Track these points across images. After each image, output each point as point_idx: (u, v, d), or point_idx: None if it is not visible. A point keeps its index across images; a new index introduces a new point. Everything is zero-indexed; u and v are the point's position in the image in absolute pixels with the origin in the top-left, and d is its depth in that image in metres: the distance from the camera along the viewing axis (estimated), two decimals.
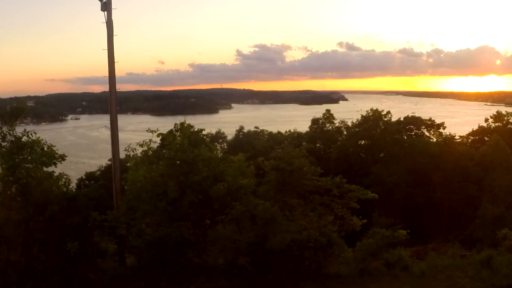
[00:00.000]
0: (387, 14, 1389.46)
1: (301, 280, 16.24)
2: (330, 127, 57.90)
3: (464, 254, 20.69)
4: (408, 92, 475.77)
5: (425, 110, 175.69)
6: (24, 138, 16.65)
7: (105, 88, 19.69)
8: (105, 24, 18.49)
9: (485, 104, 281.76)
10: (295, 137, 55.30)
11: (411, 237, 18.24)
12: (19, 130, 16.85)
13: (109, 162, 39.76)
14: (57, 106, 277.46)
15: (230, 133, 66.67)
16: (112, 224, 17.12)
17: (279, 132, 58.71)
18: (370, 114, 55.33)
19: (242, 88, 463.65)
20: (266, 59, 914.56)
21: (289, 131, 59.65)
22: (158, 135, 18.82)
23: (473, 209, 40.57)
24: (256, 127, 63.18)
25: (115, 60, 18.79)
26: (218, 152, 23.88)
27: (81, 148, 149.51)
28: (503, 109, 62.57)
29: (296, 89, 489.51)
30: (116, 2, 18.48)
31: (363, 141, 55.54)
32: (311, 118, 59.72)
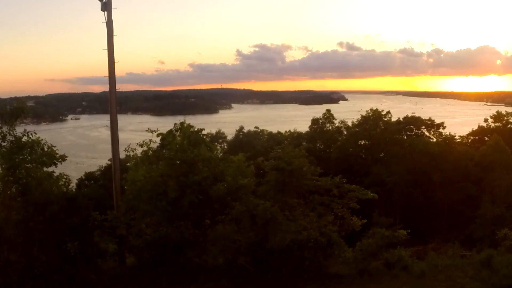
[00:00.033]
0: (387, 14, 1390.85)
1: (301, 280, 16.21)
2: (330, 127, 57.98)
3: (464, 254, 20.68)
4: (408, 92, 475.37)
5: (425, 110, 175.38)
6: (24, 138, 16.58)
7: (105, 88, 19.71)
8: (105, 24, 18.46)
9: (485, 104, 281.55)
10: (295, 137, 55.40)
11: (411, 237, 18.24)
12: (19, 130, 16.78)
13: (109, 162, 39.83)
14: (57, 106, 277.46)
15: (230, 133, 66.81)
16: (112, 224, 17.11)
17: (279, 132, 58.82)
18: (370, 114, 55.42)
19: (242, 88, 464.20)
20: (266, 59, 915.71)
21: (289, 131, 59.76)
22: (158, 135, 18.78)
23: (473, 209, 40.61)
24: (256, 127, 63.31)
25: (115, 60, 18.78)
26: (218, 152, 23.89)
27: (81, 148, 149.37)
28: (503, 109, 62.71)
29: (296, 89, 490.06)
30: (116, 2, 18.48)
31: (363, 141, 55.66)
32: (311, 118, 59.82)
